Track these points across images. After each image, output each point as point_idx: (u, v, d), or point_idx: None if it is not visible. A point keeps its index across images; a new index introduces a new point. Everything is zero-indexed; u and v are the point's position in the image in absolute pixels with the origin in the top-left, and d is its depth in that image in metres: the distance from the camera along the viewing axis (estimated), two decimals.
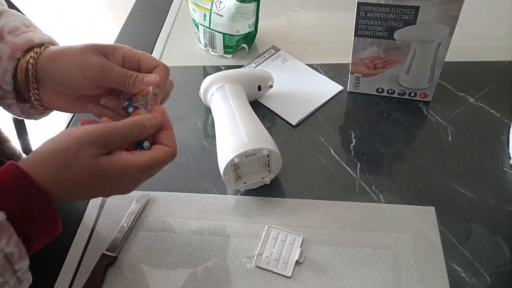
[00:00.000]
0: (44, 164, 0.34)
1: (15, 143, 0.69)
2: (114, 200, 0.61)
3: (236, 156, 0.52)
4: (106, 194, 0.40)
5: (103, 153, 0.36)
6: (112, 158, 0.36)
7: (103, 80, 0.42)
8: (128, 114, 0.43)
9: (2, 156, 0.65)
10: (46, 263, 0.55)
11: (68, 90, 0.44)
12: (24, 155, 0.68)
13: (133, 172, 0.37)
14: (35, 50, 0.42)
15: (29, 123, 1.04)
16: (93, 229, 0.58)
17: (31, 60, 0.42)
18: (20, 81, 0.43)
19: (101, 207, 0.60)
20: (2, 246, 0.31)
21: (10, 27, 0.43)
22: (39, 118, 0.49)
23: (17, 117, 0.48)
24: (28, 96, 0.44)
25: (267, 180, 0.58)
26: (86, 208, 0.60)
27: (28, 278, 0.35)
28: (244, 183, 0.57)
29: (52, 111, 0.48)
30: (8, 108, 0.46)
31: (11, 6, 0.73)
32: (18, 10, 0.71)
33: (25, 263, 0.33)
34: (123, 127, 0.38)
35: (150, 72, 0.43)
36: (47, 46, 0.44)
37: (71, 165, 0.35)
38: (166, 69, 0.44)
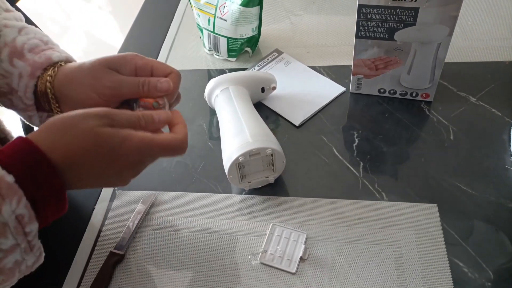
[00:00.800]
0: (48, 132, 0.35)
1: None
2: (121, 202, 0.62)
3: (240, 155, 0.54)
4: (110, 172, 0.38)
5: (107, 125, 0.37)
6: (115, 129, 0.37)
7: (117, 97, 0.43)
8: None
9: None
10: (55, 261, 0.56)
11: (86, 107, 0.44)
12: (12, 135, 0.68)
13: (134, 143, 0.37)
14: (51, 71, 0.44)
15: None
16: (101, 228, 0.59)
17: (48, 80, 0.44)
18: (40, 96, 0.45)
19: (109, 206, 0.62)
20: (13, 207, 0.31)
21: (30, 45, 0.44)
22: None
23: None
24: (47, 108, 0.46)
25: (271, 179, 0.59)
26: (94, 208, 0.62)
27: (38, 246, 0.36)
28: (248, 182, 0.58)
29: None
30: (29, 119, 0.48)
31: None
32: (30, 21, 0.73)
33: (34, 226, 0.34)
34: (132, 114, 0.39)
35: None
36: (62, 65, 0.45)
37: (74, 130, 0.35)
38: (179, 76, 0.44)
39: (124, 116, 0.38)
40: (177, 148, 0.40)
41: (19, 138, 0.34)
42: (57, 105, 0.45)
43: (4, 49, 0.43)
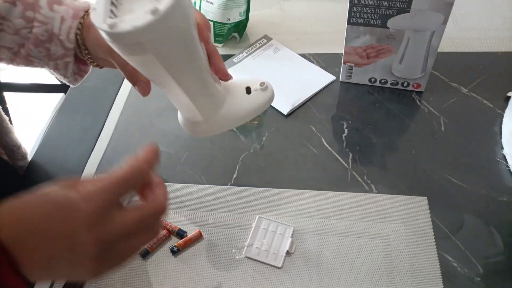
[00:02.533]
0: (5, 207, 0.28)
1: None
2: None
3: None
4: (66, 244, 0.27)
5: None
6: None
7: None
8: None
9: (4, 148, 0.63)
10: None
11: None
12: (23, 146, 0.66)
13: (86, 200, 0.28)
14: (83, 16, 0.46)
15: (14, 116, 1.02)
16: None
17: (79, 25, 0.46)
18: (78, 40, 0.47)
19: None
20: None
21: None
22: (78, 82, 0.52)
23: (65, 82, 0.51)
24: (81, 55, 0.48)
25: (162, 9, 0.30)
26: None
27: None
28: (119, 21, 0.31)
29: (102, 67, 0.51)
30: (64, 68, 0.48)
31: None
32: None
33: None
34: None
35: None
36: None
37: (29, 197, 0.28)
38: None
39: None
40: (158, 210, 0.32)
41: None
42: (86, 51, 0.47)
43: None
